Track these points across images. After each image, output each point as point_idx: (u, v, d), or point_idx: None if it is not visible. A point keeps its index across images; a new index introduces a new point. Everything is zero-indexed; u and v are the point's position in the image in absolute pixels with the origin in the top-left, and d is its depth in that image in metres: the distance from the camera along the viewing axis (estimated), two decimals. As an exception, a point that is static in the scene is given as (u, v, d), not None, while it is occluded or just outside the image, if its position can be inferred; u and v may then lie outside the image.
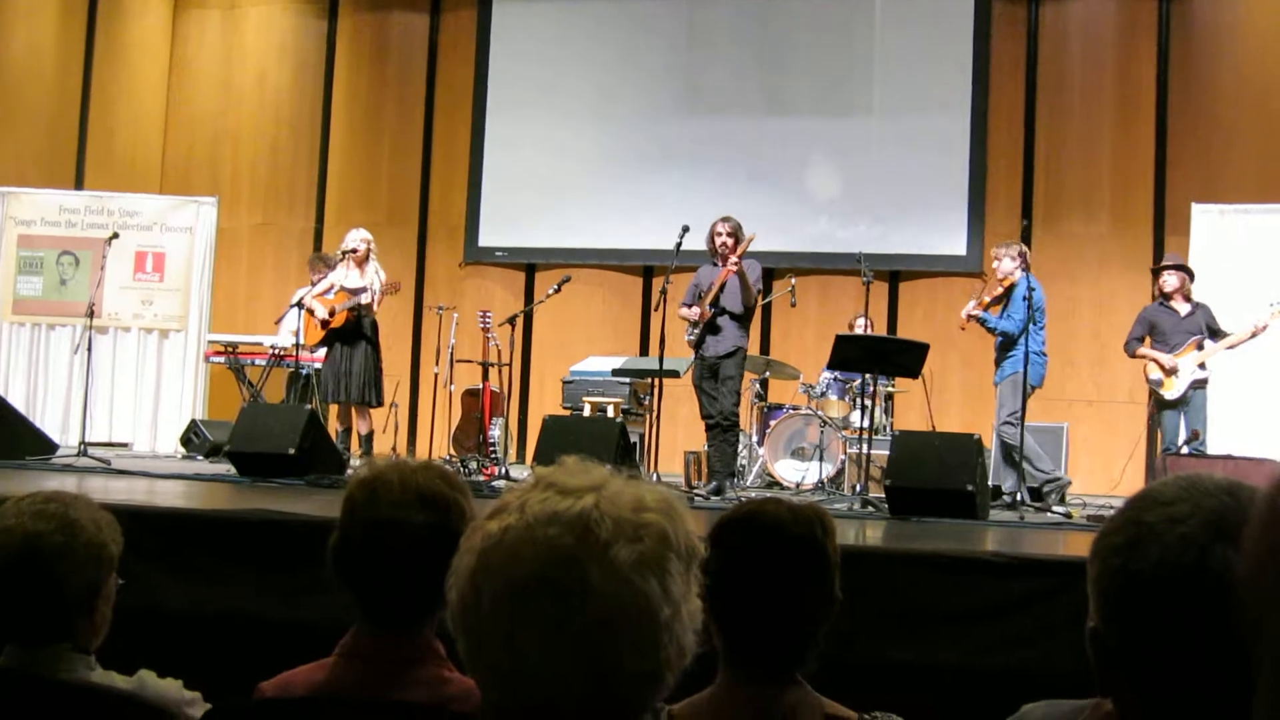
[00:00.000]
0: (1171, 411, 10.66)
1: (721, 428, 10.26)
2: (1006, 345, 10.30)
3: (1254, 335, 10.48)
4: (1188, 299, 10.75)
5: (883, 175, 14.16)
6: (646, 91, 14.88)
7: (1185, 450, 10.38)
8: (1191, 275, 10.87)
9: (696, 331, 10.21)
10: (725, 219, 10.30)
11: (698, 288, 10.36)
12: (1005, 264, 10.39)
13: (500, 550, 1.46)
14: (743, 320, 10.21)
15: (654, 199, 14.38)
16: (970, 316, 10.38)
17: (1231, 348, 10.60)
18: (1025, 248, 10.57)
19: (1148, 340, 10.81)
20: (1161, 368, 10.67)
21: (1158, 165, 13.61)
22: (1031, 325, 10.07)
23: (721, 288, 10.14)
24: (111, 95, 15.37)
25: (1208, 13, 13.66)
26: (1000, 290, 10.43)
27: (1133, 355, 10.98)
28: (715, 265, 10.28)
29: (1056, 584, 5.31)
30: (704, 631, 1.55)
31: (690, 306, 10.29)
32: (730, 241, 10.16)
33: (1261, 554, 0.74)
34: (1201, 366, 10.58)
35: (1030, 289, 9.98)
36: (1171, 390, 10.63)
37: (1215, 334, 10.59)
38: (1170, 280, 10.77)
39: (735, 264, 10.03)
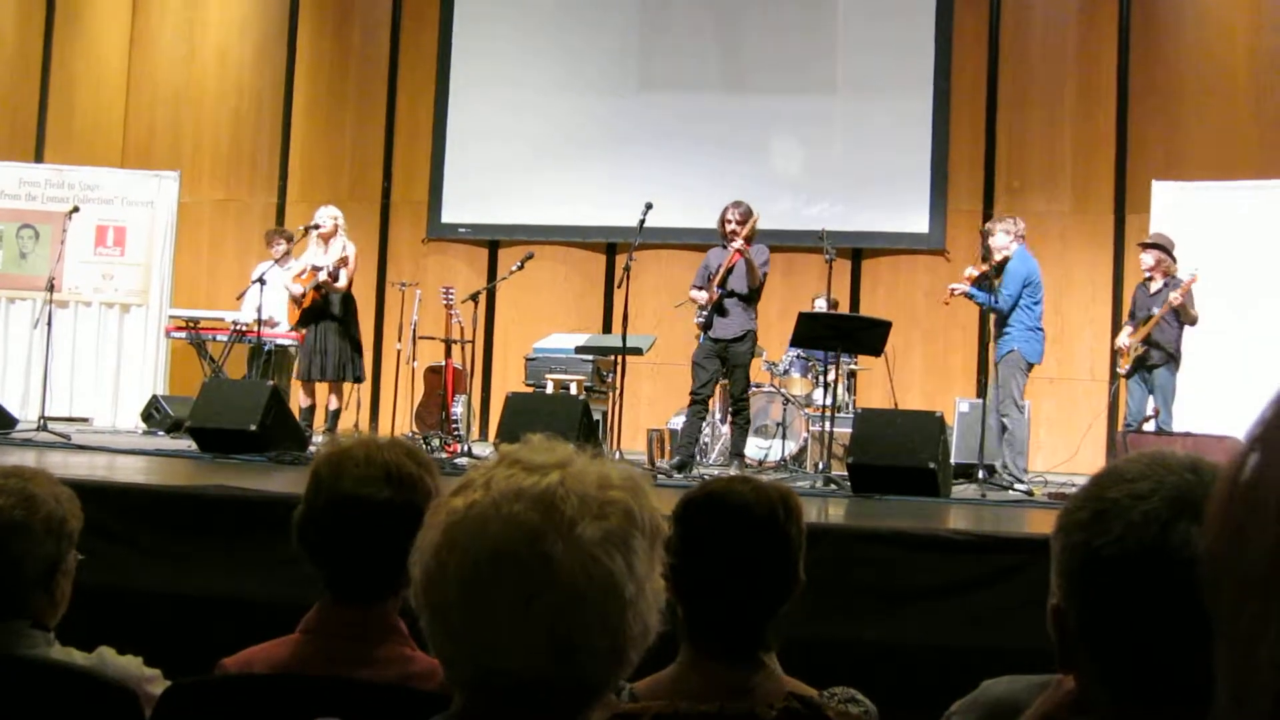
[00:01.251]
0: (1137, 385, 10.68)
1: (736, 410, 10.43)
2: (1001, 321, 10.26)
3: (1169, 308, 10.44)
4: (1167, 275, 10.72)
5: (845, 153, 14.17)
6: (608, 68, 14.83)
7: (1147, 427, 10.43)
8: (1169, 252, 10.80)
9: (705, 314, 10.30)
10: (735, 204, 10.43)
11: (707, 269, 10.48)
12: (999, 238, 10.28)
13: (465, 526, 1.46)
14: (749, 301, 10.31)
15: (617, 176, 14.35)
16: (955, 290, 10.33)
17: (1185, 316, 10.53)
18: (1022, 223, 10.49)
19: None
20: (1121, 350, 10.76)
21: (1119, 143, 13.65)
22: (1027, 300, 10.09)
23: (729, 271, 10.23)
24: (72, 67, 15.24)
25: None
26: (987, 267, 10.33)
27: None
28: (724, 248, 10.35)
29: (1018, 561, 5.34)
30: (667, 609, 1.55)
31: (700, 289, 10.38)
32: (738, 227, 10.25)
33: (1222, 530, 0.75)
34: (1144, 343, 10.55)
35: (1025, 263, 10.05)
36: (1123, 367, 10.71)
37: (1177, 312, 10.58)
38: (1145, 259, 10.80)
39: (740, 248, 10.10)
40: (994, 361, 10.42)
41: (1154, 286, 10.73)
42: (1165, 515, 1.46)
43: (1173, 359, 10.63)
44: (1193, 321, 10.58)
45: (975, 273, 10.32)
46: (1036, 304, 10.18)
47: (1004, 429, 10.08)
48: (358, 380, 11.63)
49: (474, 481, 1.50)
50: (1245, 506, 0.78)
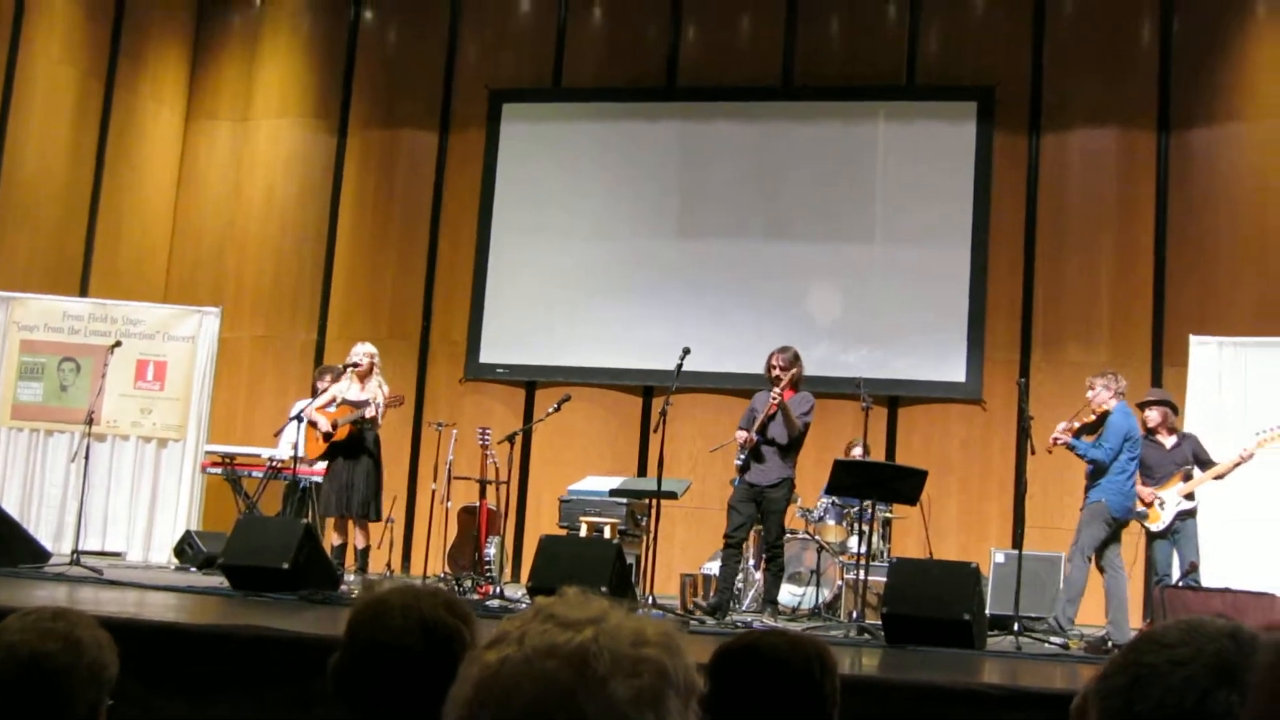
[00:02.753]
0: (1161, 542, 10.64)
1: (770, 557, 10.50)
2: (1097, 474, 10.31)
3: (1239, 464, 10.50)
4: (1173, 431, 10.78)
5: (883, 301, 14.22)
6: (648, 213, 14.97)
7: (1181, 583, 10.33)
8: (1175, 409, 10.91)
9: (743, 456, 10.34)
10: (782, 350, 10.60)
11: (753, 412, 10.59)
12: (1101, 393, 10.44)
13: (498, 682, 1.44)
14: (788, 450, 10.36)
15: (654, 320, 14.44)
16: (1057, 440, 10.39)
17: (1219, 477, 10.60)
18: (1124, 381, 10.61)
19: (1137, 475, 10.81)
20: (1142, 500, 10.67)
21: (1156, 296, 13.66)
22: (1125, 456, 10.16)
23: (770, 417, 10.34)
24: (119, 204, 15.47)
25: (1206, 146, 13.78)
26: (1093, 418, 10.47)
27: None
28: (768, 393, 10.45)
29: (1054, 716, 5.26)
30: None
31: (744, 430, 10.51)
32: (781, 373, 10.36)
33: (1266, 701, 0.74)
34: (1189, 497, 10.56)
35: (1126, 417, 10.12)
36: (1157, 522, 10.62)
37: (1203, 464, 10.60)
38: (1152, 415, 10.81)
39: (777, 396, 10.24)
40: (1079, 509, 10.46)
41: (1167, 442, 10.73)
42: (1205, 682, 1.45)
43: (1193, 513, 10.66)
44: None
45: (1077, 424, 10.40)
46: (1134, 459, 10.23)
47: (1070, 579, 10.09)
48: (378, 520, 11.58)
49: (508, 635, 1.49)
50: None
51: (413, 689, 2.45)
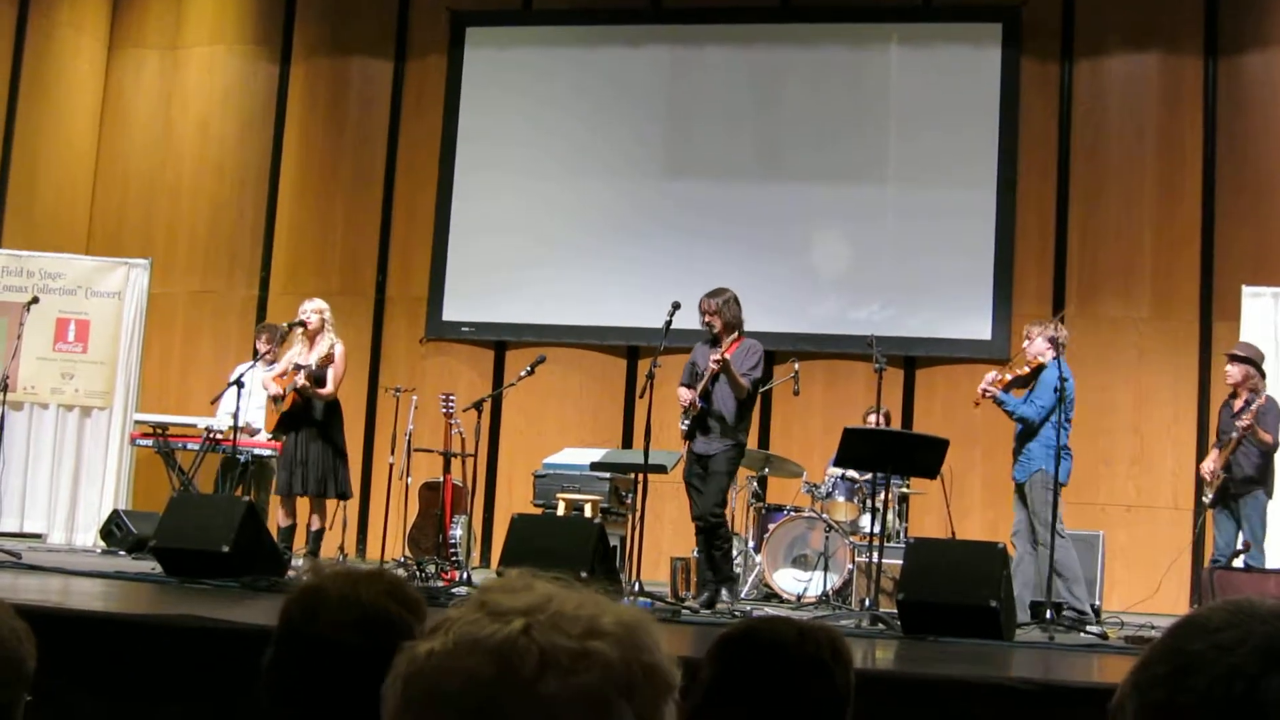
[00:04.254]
0: (1224, 516, 10.66)
1: (704, 529, 10.30)
2: (1026, 435, 10.31)
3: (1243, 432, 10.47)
4: (1252, 392, 10.74)
5: (898, 250, 14.21)
6: (631, 151, 14.94)
7: (1236, 563, 10.38)
8: (1261, 369, 10.84)
9: (688, 422, 10.24)
10: (711, 294, 10.37)
11: (694, 366, 10.39)
12: (1037, 343, 10.39)
13: (421, 680, 1.43)
14: (739, 414, 10.22)
15: (640, 272, 14.42)
16: (985, 392, 10.36)
17: (1268, 444, 10.58)
18: (1065, 331, 10.58)
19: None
20: (1203, 473, 10.74)
21: (1204, 242, 13.67)
22: (1057, 418, 10.11)
23: (714, 379, 10.18)
24: (35, 144, 15.39)
25: (1258, 74, 13.78)
26: (1026, 371, 10.45)
27: None
28: (708, 345, 10.33)
29: (1091, 714, 5.29)
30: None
31: (687, 386, 10.31)
32: (715, 322, 10.22)
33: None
34: (1227, 468, 10.56)
35: (1063, 378, 10.01)
36: (1207, 497, 10.69)
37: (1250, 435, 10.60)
38: (1232, 372, 10.82)
39: (718, 361, 10.05)
40: (1015, 482, 10.44)
41: (1238, 404, 10.73)
42: (1254, 668, 1.46)
43: (1259, 484, 10.61)
44: (1268, 447, 10.58)
45: (1009, 376, 10.38)
46: (1066, 422, 10.18)
47: (1050, 561, 10.04)
48: (343, 497, 11.58)
49: (440, 625, 1.47)
50: None
51: (351, 686, 2.45)
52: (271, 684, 2.57)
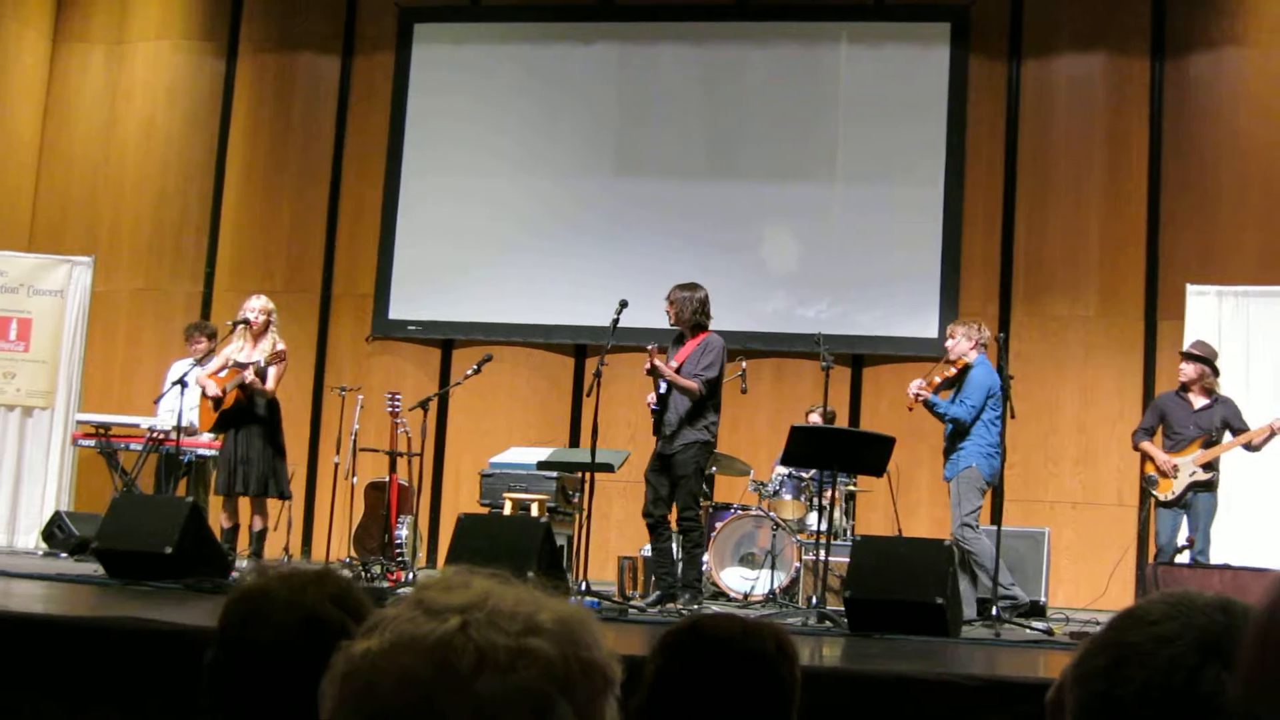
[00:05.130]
0: (1168, 513, 10.72)
1: (681, 530, 10.34)
2: (958, 434, 10.40)
3: (1272, 434, 10.52)
4: (1208, 393, 10.83)
5: (845, 248, 14.25)
6: (580, 149, 14.93)
7: (1181, 559, 10.44)
8: (1215, 368, 10.93)
9: (655, 411, 10.27)
10: (680, 286, 10.50)
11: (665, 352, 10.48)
12: (961, 344, 10.53)
13: (357, 679, 1.42)
14: (697, 412, 10.21)
15: (588, 270, 14.40)
16: (917, 396, 10.43)
17: (1251, 447, 10.66)
18: (986, 331, 10.68)
19: (1159, 433, 10.91)
20: (1156, 466, 10.76)
21: (1150, 241, 13.75)
22: (989, 415, 10.20)
23: (670, 383, 10.22)
24: (-25, 139, 15.28)
25: (1205, 75, 13.86)
26: (953, 372, 10.53)
27: (1136, 448, 11.07)
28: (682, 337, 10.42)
29: (1037, 710, 5.31)
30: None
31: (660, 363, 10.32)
32: (671, 313, 10.30)
33: (1255, 678, 0.75)
34: (1206, 467, 10.62)
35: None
36: (1167, 492, 10.70)
37: (1237, 433, 10.66)
38: (1186, 370, 10.89)
39: (655, 366, 10.16)
40: (945, 478, 10.52)
41: (1197, 402, 10.79)
42: (1193, 660, 1.47)
43: (1217, 483, 10.72)
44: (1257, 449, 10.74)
45: (937, 378, 10.46)
46: (997, 420, 10.27)
47: (964, 554, 10.09)
48: (283, 497, 11.52)
49: (378, 623, 1.46)
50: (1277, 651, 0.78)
51: (292, 690, 2.43)
52: (211, 685, 2.55)
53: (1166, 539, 10.70)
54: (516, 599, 1.45)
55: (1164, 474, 10.73)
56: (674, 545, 10.51)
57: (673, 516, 10.57)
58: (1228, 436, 10.69)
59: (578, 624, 1.46)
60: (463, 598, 1.44)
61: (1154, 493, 10.80)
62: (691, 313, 10.29)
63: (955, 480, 10.36)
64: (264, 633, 2.48)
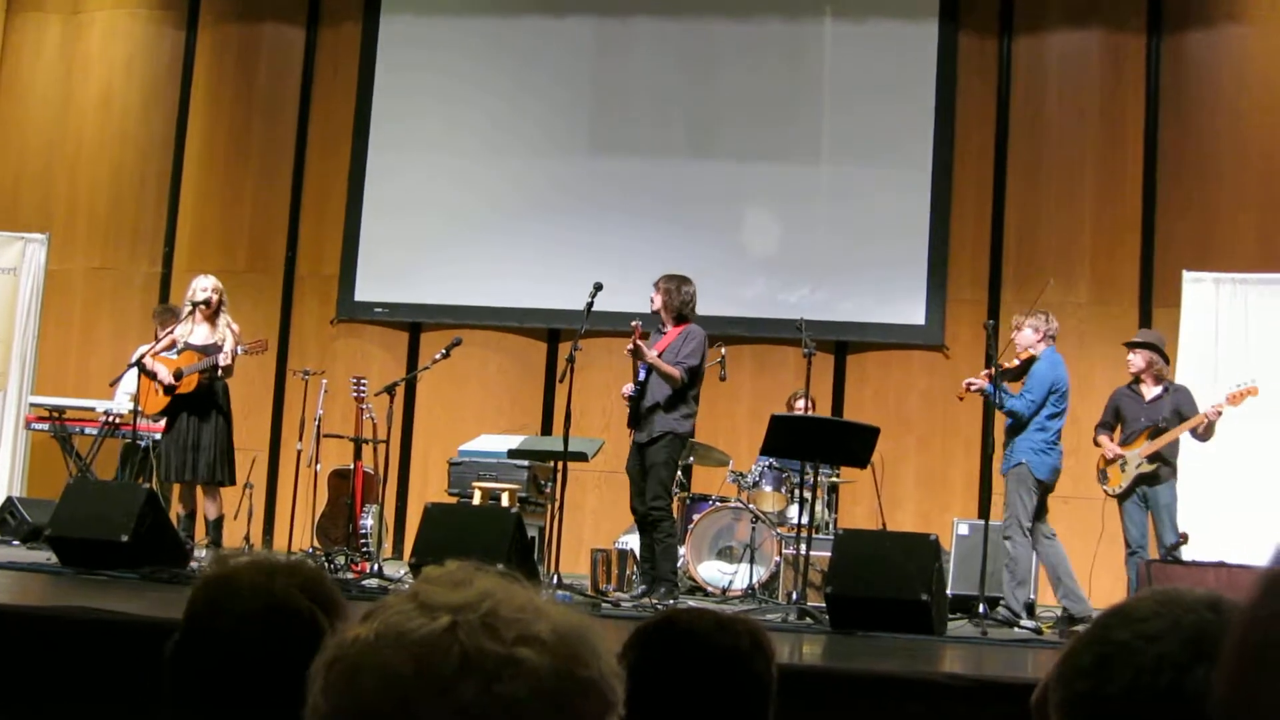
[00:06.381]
0: (1134, 508, 10.73)
1: (648, 521, 10.32)
2: (1016, 429, 10.36)
3: (1209, 421, 10.57)
4: (1159, 380, 10.87)
5: (829, 231, 14.24)
6: (553, 126, 14.89)
7: (1169, 558, 10.47)
8: (1164, 355, 10.99)
9: (631, 399, 10.31)
10: (668, 276, 10.58)
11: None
12: (1026, 334, 10.48)
13: (341, 667, 1.41)
14: (674, 402, 10.24)
15: (562, 252, 14.38)
16: (970, 385, 10.40)
17: (1199, 437, 10.69)
18: (1056, 322, 10.65)
19: (1118, 428, 10.94)
20: (1103, 458, 10.81)
21: (1145, 227, 13.77)
22: (1050, 410, 10.19)
23: (648, 368, 10.26)
24: (-76, 111, 15.22)
25: (1203, 54, 13.89)
26: (1016, 364, 10.49)
27: (1095, 443, 11.11)
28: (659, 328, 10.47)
29: (1024, 711, 5.33)
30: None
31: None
32: (656, 299, 10.36)
33: (1237, 678, 0.76)
34: (1151, 458, 10.64)
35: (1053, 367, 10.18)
36: (1115, 486, 10.73)
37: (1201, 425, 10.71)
38: (1134, 360, 10.90)
39: (631, 350, 10.19)
40: (999, 473, 10.50)
41: (1149, 393, 10.83)
42: (1180, 658, 1.48)
43: (1174, 473, 10.75)
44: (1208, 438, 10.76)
45: (995, 370, 10.40)
46: (1058, 416, 10.28)
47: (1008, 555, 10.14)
48: (230, 484, 11.44)
49: (372, 612, 1.44)
50: (1260, 653, 0.79)
51: (254, 678, 2.44)
52: (175, 674, 2.55)
53: (1135, 538, 10.73)
54: (518, 605, 1.42)
55: (1110, 464, 10.78)
56: None
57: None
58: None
59: (577, 638, 1.42)
60: (460, 596, 1.41)
61: (1105, 487, 10.84)
62: (679, 304, 10.34)
63: (1006, 476, 10.36)
64: (230, 620, 2.48)
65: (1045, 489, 10.36)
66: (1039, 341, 10.45)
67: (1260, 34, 13.75)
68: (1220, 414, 10.53)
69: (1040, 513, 10.37)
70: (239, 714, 2.46)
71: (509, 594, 1.43)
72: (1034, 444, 10.22)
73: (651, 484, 10.27)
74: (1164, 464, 10.67)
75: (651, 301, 10.46)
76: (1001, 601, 10.10)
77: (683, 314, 10.38)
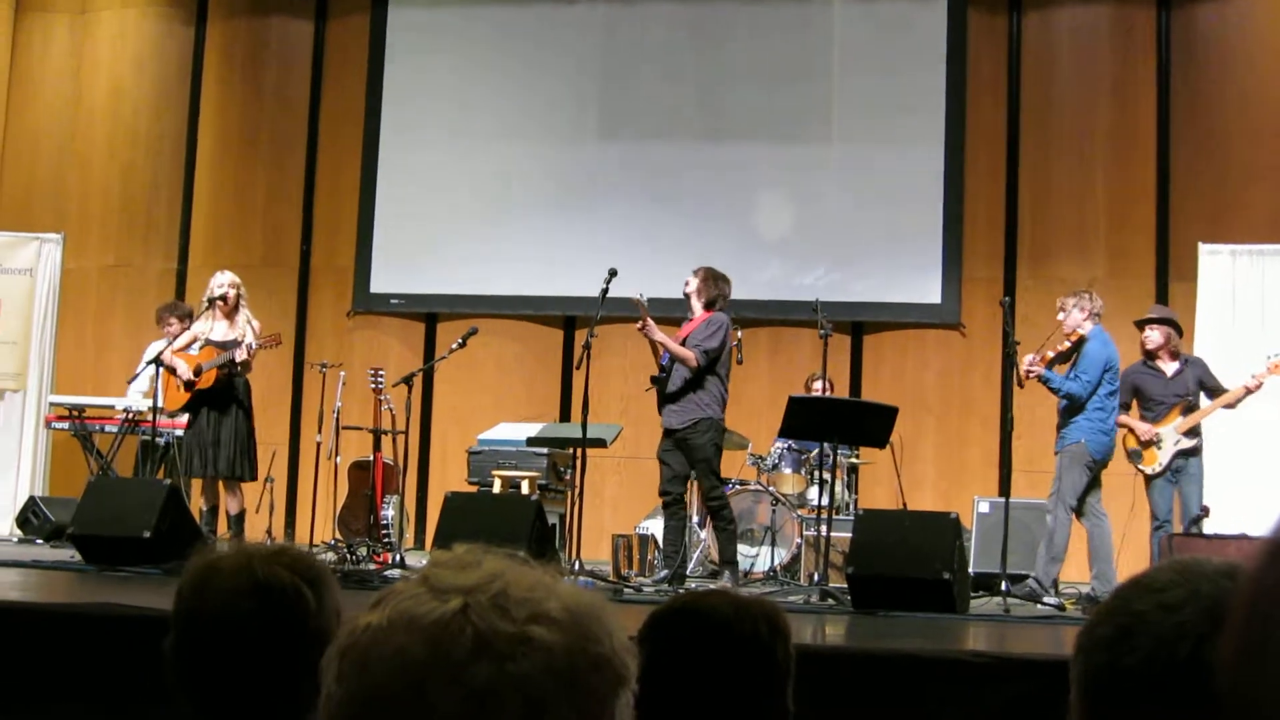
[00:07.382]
0: (1161, 483, 10.70)
1: (711, 513, 10.45)
2: (1071, 410, 10.31)
3: (1249, 392, 10.55)
4: (1175, 356, 10.83)
5: (843, 211, 14.22)
6: (565, 111, 14.88)
7: (1191, 530, 10.46)
8: (1179, 329, 10.96)
9: (659, 381, 10.34)
10: (711, 269, 10.58)
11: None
12: (1074, 315, 10.41)
13: (354, 653, 1.40)
14: (699, 383, 10.24)
15: (576, 238, 14.39)
16: (1030, 373, 10.36)
17: (1229, 407, 10.68)
18: (1099, 300, 10.59)
19: (1134, 407, 10.90)
20: (1137, 439, 10.75)
21: (1160, 200, 13.74)
22: (1105, 389, 10.17)
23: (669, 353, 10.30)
24: (-64, 113, 15.24)
25: (1214, 25, 13.85)
26: (1067, 345, 10.44)
27: (1118, 425, 11.06)
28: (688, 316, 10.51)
29: (1046, 687, 5.33)
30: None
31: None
32: (690, 282, 10.45)
33: (1242, 645, 0.76)
34: (1190, 433, 10.62)
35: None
36: (1153, 465, 10.68)
37: (1211, 392, 10.68)
38: (1152, 336, 10.84)
39: (646, 329, 10.29)
40: (1055, 451, 10.46)
41: (1169, 368, 10.79)
42: (1201, 628, 1.47)
43: (1197, 449, 10.75)
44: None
45: (1050, 353, 10.36)
46: (1115, 394, 10.26)
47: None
48: (252, 479, 11.48)
49: (384, 598, 1.44)
50: (1266, 621, 0.78)
51: (247, 661, 2.44)
52: (173, 666, 2.55)
53: (1163, 512, 10.69)
54: (528, 584, 1.41)
55: (1147, 445, 10.73)
56: (686, 526, 10.62)
57: (689, 496, 10.77)
58: (1204, 396, 10.70)
59: (589, 615, 1.42)
60: (470, 578, 1.40)
61: (1140, 466, 10.78)
62: (712, 295, 10.35)
63: (1060, 454, 10.32)
64: (217, 598, 2.51)
65: (1100, 466, 10.33)
66: (1085, 320, 10.39)
67: (1270, 5, 13.70)
68: (1261, 385, 10.51)
69: (1094, 488, 10.34)
70: (237, 692, 2.48)
71: (518, 574, 1.42)
72: (1093, 423, 10.17)
73: (704, 476, 10.33)
74: (1200, 437, 10.68)
75: (685, 284, 10.46)
76: (1032, 575, 10.08)
77: (713, 304, 10.38)
